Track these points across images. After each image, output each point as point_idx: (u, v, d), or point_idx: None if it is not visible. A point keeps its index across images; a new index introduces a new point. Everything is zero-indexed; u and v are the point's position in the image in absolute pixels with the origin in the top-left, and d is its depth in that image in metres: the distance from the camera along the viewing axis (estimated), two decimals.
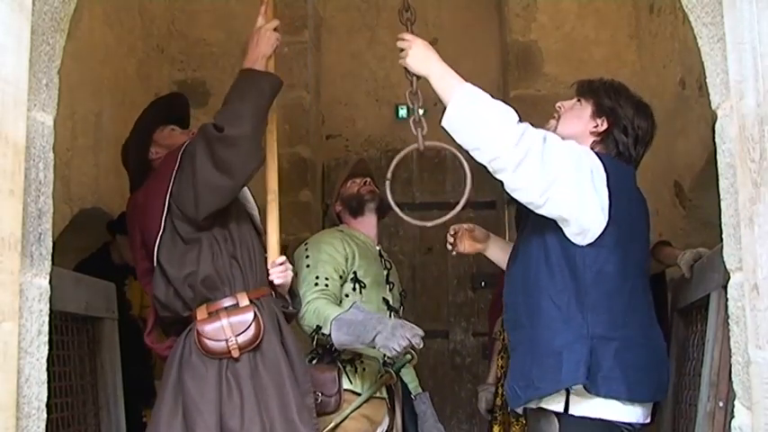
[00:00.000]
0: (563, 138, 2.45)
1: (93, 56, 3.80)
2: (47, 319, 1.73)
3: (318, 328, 2.97)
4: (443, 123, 2.39)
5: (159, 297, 2.55)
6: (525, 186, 2.33)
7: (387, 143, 5.70)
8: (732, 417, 1.79)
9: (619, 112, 2.54)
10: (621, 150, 2.52)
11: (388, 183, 2.60)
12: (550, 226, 2.41)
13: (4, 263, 1.55)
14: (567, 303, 2.36)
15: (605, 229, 2.36)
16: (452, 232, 2.98)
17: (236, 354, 2.43)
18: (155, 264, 2.55)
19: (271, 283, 2.69)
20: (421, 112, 2.64)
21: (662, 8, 4.41)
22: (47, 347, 1.72)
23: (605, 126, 2.54)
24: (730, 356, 1.77)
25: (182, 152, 2.56)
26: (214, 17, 5.20)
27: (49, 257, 1.75)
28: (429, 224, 2.61)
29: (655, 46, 4.56)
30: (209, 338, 2.43)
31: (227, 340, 2.43)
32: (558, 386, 2.34)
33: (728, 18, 1.66)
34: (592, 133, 2.54)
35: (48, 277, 1.74)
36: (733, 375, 1.76)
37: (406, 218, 2.59)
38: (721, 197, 1.78)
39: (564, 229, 2.38)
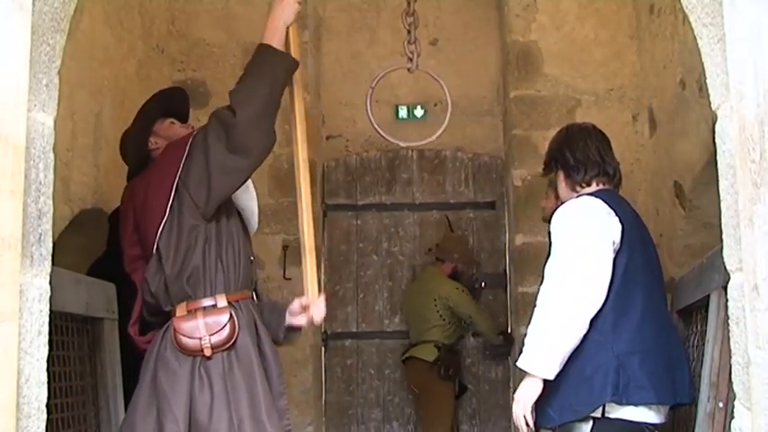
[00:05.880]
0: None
1: (93, 56, 3.80)
2: (47, 319, 1.73)
3: None
4: (546, 377, 2.59)
5: (151, 285, 2.60)
6: (594, 296, 2.57)
7: (387, 143, 5.69)
8: (732, 417, 1.79)
9: (560, 160, 2.87)
10: (586, 179, 2.81)
11: (371, 91, 2.82)
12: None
13: (4, 263, 1.55)
14: (593, 329, 2.57)
15: (615, 261, 2.60)
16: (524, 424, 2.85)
17: (208, 352, 2.49)
18: (153, 251, 2.59)
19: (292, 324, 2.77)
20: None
21: (662, 9, 4.41)
22: (47, 348, 1.72)
23: (564, 176, 2.87)
24: (730, 357, 1.77)
25: (190, 141, 2.60)
26: (214, 17, 5.20)
27: (49, 258, 1.75)
28: (403, 144, 3.06)
29: (655, 46, 4.56)
30: (184, 335, 2.50)
31: (200, 339, 2.49)
32: (592, 407, 2.57)
33: (728, 19, 1.66)
34: (570, 189, 2.84)
35: (48, 278, 1.74)
36: (733, 376, 1.76)
37: (384, 135, 2.88)
38: (721, 198, 1.78)
39: None
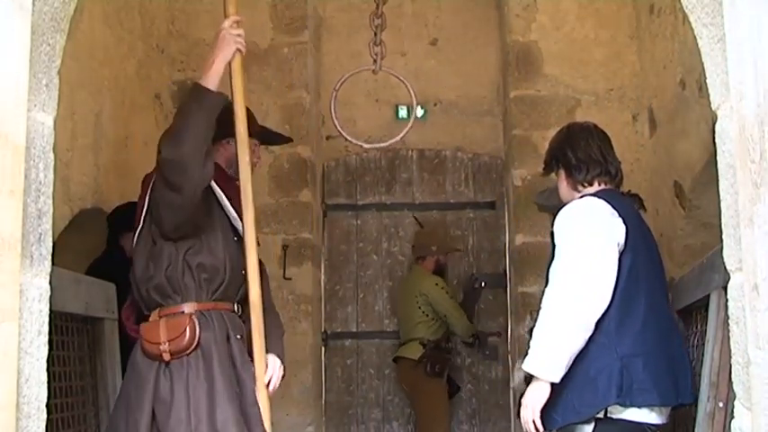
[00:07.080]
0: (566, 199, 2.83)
1: (93, 56, 3.80)
2: (47, 319, 1.73)
3: None
4: (553, 380, 2.58)
5: (132, 290, 2.70)
6: (599, 298, 2.56)
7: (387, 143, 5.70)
8: (732, 417, 1.79)
9: (562, 159, 2.86)
10: (588, 178, 2.80)
11: (335, 93, 2.83)
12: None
13: (4, 263, 1.55)
14: (597, 331, 2.57)
15: (619, 262, 2.60)
16: None
17: (166, 357, 2.55)
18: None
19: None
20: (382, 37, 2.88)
21: (662, 8, 4.41)
22: (47, 348, 1.72)
23: (565, 175, 2.86)
24: (730, 357, 1.77)
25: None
26: (214, 17, 5.17)
27: (49, 258, 1.75)
28: (367, 146, 3.12)
29: (655, 46, 4.56)
30: (146, 341, 2.57)
31: (159, 344, 2.55)
32: (596, 409, 2.58)
33: (728, 18, 1.66)
34: (572, 188, 2.84)
35: (48, 278, 1.74)
36: (733, 376, 1.76)
37: (348, 137, 2.92)
38: (721, 197, 1.78)
39: None
